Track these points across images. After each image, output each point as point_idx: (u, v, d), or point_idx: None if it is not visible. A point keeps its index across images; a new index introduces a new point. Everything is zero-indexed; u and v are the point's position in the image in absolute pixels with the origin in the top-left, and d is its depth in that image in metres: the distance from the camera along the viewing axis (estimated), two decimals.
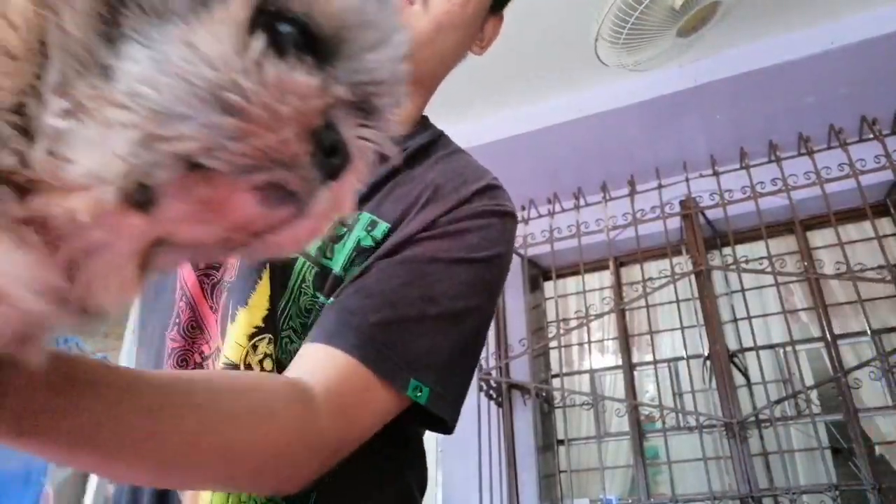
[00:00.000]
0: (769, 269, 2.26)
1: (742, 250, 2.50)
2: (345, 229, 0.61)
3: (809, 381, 2.29)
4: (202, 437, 0.41)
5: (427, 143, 0.71)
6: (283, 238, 0.28)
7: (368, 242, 0.60)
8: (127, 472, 0.42)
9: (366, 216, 0.62)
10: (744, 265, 2.34)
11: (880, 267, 2.19)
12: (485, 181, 0.66)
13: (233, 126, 0.23)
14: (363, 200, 0.62)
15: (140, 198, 0.23)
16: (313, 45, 0.26)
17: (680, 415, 2.37)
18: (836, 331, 2.34)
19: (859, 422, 2.11)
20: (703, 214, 2.55)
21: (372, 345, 0.52)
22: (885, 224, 2.44)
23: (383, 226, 0.61)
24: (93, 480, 3.89)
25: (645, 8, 1.67)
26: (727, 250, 2.42)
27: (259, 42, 0.24)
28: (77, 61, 0.23)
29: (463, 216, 0.62)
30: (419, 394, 0.54)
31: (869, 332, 2.23)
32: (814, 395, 2.22)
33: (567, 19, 1.88)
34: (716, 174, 2.50)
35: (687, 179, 2.53)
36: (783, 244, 2.65)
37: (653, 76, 2.18)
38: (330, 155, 0.26)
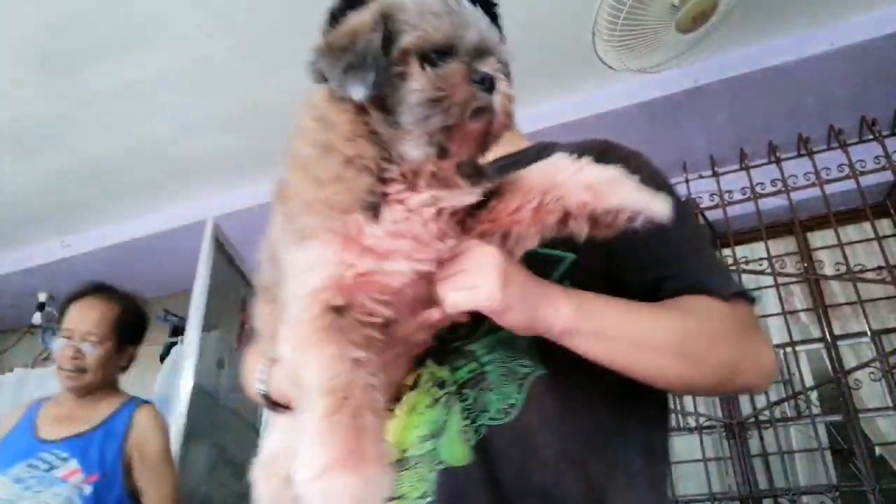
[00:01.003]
0: (769, 270, 2.26)
1: (742, 251, 2.50)
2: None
3: (809, 382, 2.29)
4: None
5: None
6: (491, 115, 0.62)
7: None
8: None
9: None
10: (744, 266, 2.34)
11: (880, 268, 2.19)
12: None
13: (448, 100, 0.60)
14: None
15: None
16: (451, 51, 0.61)
17: (680, 415, 2.37)
18: (836, 331, 2.33)
19: (859, 422, 2.11)
20: (703, 215, 2.55)
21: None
22: (884, 225, 2.44)
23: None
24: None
25: (639, 3, 1.66)
26: (727, 251, 2.41)
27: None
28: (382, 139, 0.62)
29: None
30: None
31: (869, 332, 2.23)
32: (814, 395, 2.22)
33: (566, 21, 1.88)
34: (716, 175, 2.50)
35: (687, 180, 2.53)
36: (783, 245, 2.65)
37: (652, 77, 2.18)
38: (486, 84, 0.61)
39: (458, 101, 0.59)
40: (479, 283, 0.61)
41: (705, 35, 1.79)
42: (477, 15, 0.64)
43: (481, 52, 0.62)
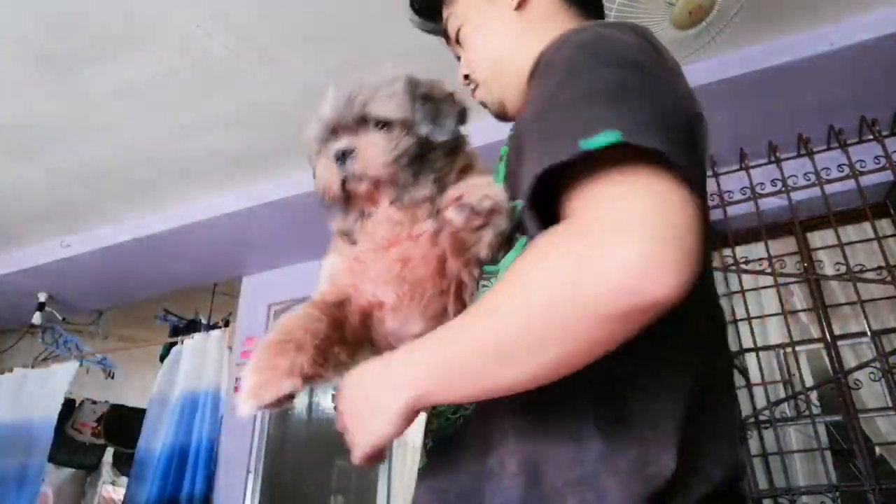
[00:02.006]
0: (769, 270, 2.26)
1: (742, 251, 2.50)
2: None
3: (809, 382, 2.29)
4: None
5: None
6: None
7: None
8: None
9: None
10: (743, 266, 2.34)
11: (880, 268, 2.19)
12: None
13: None
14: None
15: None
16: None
17: None
18: (836, 331, 2.33)
19: (859, 422, 2.10)
20: None
21: None
22: (884, 225, 2.44)
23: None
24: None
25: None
26: (727, 251, 2.41)
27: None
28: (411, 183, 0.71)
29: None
30: None
31: (869, 332, 2.23)
32: (814, 395, 2.21)
33: None
34: (715, 175, 2.49)
35: None
36: (783, 245, 2.65)
37: None
38: (341, 159, 0.71)
39: (327, 189, 0.73)
40: (359, 438, 0.62)
41: (704, 31, 1.78)
42: (343, 84, 0.76)
43: (334, 129, 0.74)
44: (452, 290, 0.68)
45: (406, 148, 0.70)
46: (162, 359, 3.89)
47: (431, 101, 0.74)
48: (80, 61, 2.24)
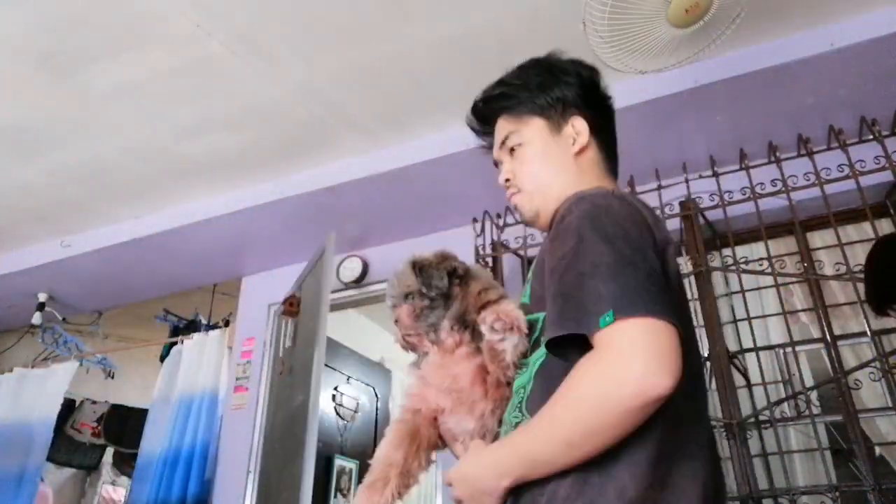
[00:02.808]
0: (769, 270, 2.26)
1: (742, 251, 2.50)
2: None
3: (809, 382, 2.29)
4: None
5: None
6: None
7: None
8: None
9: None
10: (743, 266, 2.34)
11: None
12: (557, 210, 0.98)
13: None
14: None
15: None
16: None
17: None
18: (836, 331, 2.33)
19: (859, 422, 2.10)
20: (703, 215, 2.55)
21: None
22: (884, 225, 2.44)
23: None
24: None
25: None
26: (727, 251, 2.41)
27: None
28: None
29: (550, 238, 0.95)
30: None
31: (869, 332, 2.23)
32: (814, 395, 2.21)
33: (567, 20, 1.88)
34: (715, 175, 2.50)
35: (687, 180, 2.53)
36: (783, 245, 2.65)
37: (652, 77, 2.18)
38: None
39: (398, 342, 1.10)
40: None
41: (702, 31, 1.77)
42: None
43: (394, 305, 1.11)
44: (493, 386, 0.96)
45: (419, 307, 1.05)
46: (162, 359, 3.90)
47: (423, 271, 1.06)
48: (80, 61, 2.24)
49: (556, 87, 1.10)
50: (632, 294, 0.76)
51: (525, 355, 0.92)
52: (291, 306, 2.84)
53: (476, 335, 0.99)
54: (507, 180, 1.13)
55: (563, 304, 0.81)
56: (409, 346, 1.08)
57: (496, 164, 1.17)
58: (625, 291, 0.77)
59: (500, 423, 0.96)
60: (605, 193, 0.93)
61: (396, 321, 1.08)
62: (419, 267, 1.08)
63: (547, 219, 1.06)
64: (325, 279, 2.54)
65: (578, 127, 1.08)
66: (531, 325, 0.93)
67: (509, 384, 0.95)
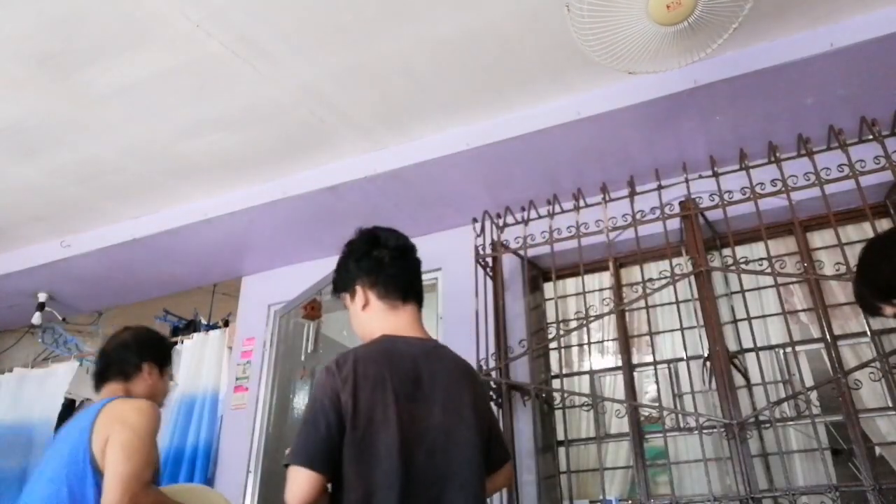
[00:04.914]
0: (769, 270, 2.26)
1: (742, 251, 2.50)
2: None
3: (809, 382, 2.29)
4: None
5: None
6: None
7: None
8: None
9: None
10: (743, 266, 2.34)
11: None
12: None
13: None
14: None
15: None
16: None
17: (680, 416, 2.37)
18: (836, 331, 2.34)
19: (859, 422, 2.11)
20: (703, 215, 2.55)
21: None
22: (884, 225, 2.44)
23: None
24: None
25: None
26: (727, 251, 2.41)
27: None
28: None
29: None
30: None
31: (869, 332, 2.22)
32: (814, 395, 2.21)
33: (564, 21, 1.88)
34: (715, 175, 2.50)
35: (686, 180, 2.54)
36: (783, 245, 2.65)
37: (652, 77, 2.18)
38: None
39: None
40: None
41: (692, 32, 1.75)
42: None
43: None
44: None
45: None
46: None
47: None
48: (80, 61, 2.24)
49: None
50: (302, 446, 1.20)
51: None
52: (313, 310, 2.84)
53: None
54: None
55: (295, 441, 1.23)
56: None
57: None
58: (299, 444, 1.20)
59: None
60: (329, 362, 1.29)
61: None
62: None
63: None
64: None
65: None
66: None
67: None
